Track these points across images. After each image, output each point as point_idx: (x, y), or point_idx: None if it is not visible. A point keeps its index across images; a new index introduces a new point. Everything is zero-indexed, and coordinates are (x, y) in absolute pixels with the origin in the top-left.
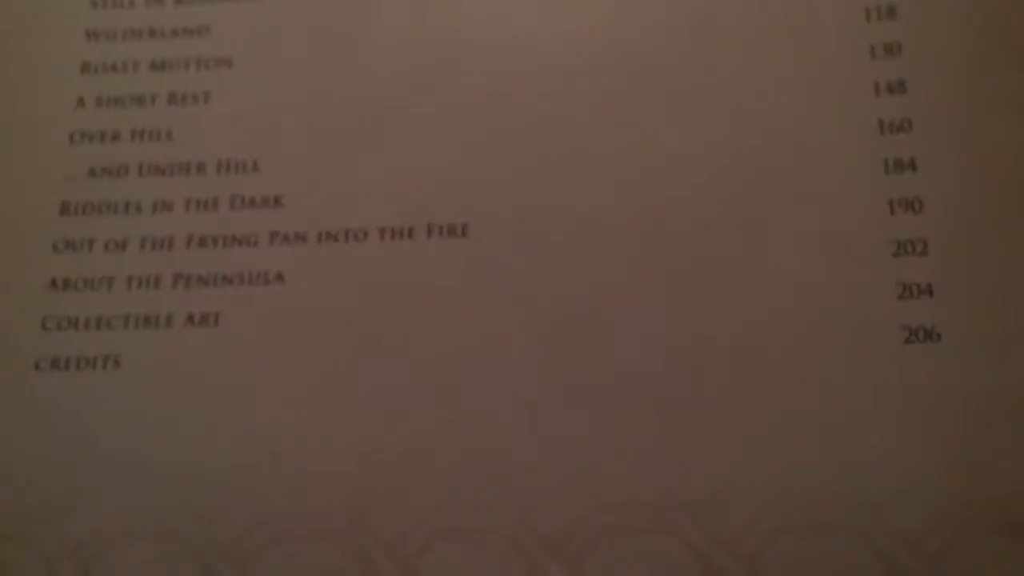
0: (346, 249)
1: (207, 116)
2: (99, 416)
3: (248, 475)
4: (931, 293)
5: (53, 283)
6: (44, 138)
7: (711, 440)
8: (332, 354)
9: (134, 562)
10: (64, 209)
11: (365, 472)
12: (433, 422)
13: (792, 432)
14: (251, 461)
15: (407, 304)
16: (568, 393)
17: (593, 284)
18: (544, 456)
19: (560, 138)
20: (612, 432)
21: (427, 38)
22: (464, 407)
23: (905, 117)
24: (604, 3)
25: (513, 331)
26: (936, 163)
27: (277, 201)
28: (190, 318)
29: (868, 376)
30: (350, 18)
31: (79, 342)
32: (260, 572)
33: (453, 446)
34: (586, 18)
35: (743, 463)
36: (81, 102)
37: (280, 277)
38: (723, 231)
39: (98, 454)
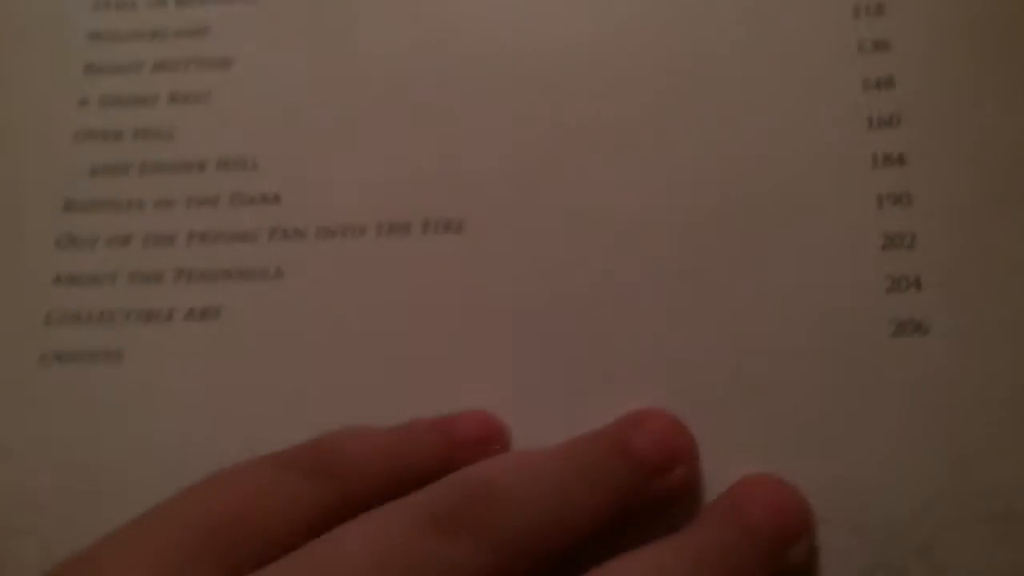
0: (343, 244)
1: (207, 115)
2: (101, 410)
3: None
4: (919, 286)
5: (57, 278)
6: (49, 137)
7: (703, 434)
8: (330, 348)
9: None
10: (68, 206)
11: None
12: (424, 407)
13: (781, 425)
14: (251, 455)
15: (403, 299)
16: (565, 394)
17: (589, 282)
18: None
19: (558, 135)
20: None
21: (425, 35)
22: (460, 405)
23: (894, 112)
24: (601, 5)
25: (507, 328)
26: (926, 157)
27: (276, 198)
28: (191, 312)
29: (856, 368)
30: (347, 17)
31: (82, 336)
32: None
33: None
34: (584, 18)
35: (732, 457)
36: (85, 102)
37: (279, 272)
38: (717, 227)
39: (101, 448)
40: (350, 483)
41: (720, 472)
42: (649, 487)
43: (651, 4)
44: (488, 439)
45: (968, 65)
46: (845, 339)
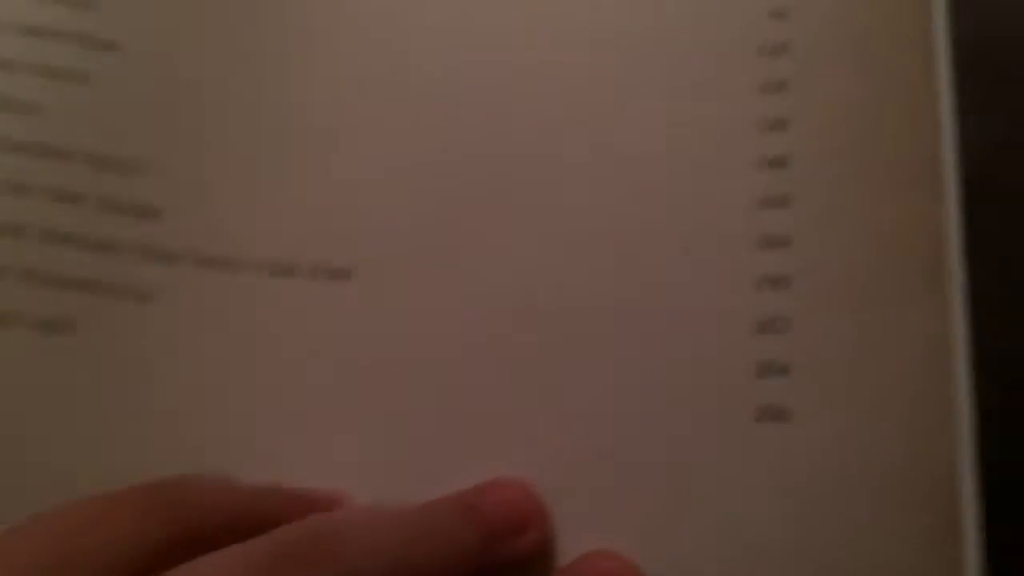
0: (223, 279)
1: (82, 101)
2: None
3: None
4: (787, 372)
5: None
6: None
7: (558, 507)
8: (190, 387)
9: None
10: None
11: None
12: (290, 462)
13: (636, 505)
14: (90, 481)
15: (278, 345)
16: (430, 456)
17: (464, 348)
18: None
19: (457, 196)
20: None
21: (344, 56)
22: (322, 458)
23: (785, 192)
24: (495, 66)
25: (376, 387)
26: (810, 240)
27: (156, 213)
28: (41, 321)
29: (717, 451)
30: (262, 26)
31: None
32: None
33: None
34: (481, 78)
35: (587, 533)
36: None
37: (149, 296)
38: (598, 295)
39: None
40: (190, 524)
41: (573, 546)
42: (497, 551)
43: (569, 61)
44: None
45: (861, 151)
46: (709, 421)
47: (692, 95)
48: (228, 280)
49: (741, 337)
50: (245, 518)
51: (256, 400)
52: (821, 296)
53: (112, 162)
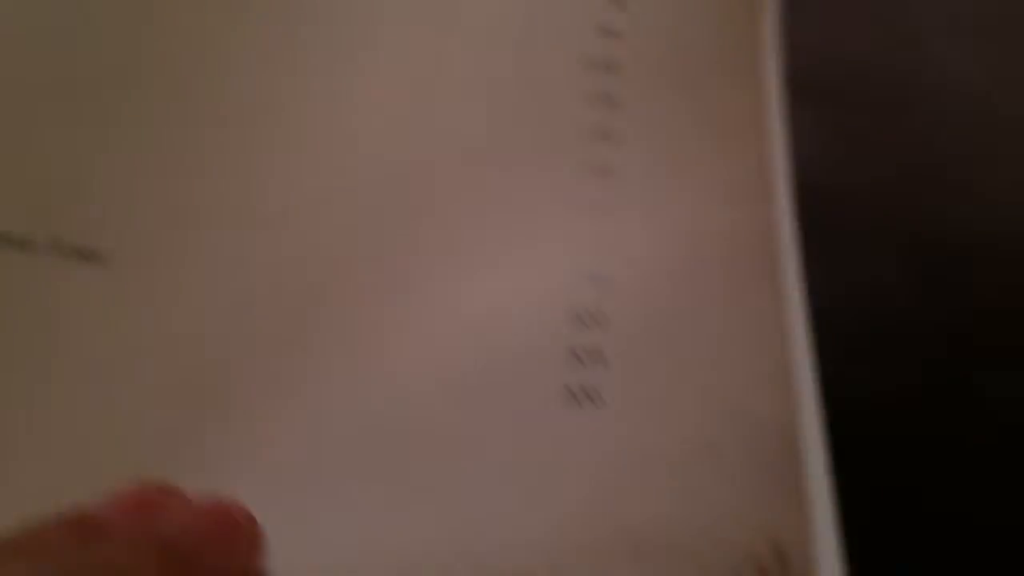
0: None
1: None
2: None
3: None
4: (605, 362)
5: None
6: None
7: (348, 505)
8: None
9: None
10: None
11: None
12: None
13: (432, 490)
14: None
15: (7, 332)
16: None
17: (222, 354)
18: None
19: (239, 174)
20: None
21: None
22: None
23: (608, 197)
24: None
25: (126, 389)
26: (633, 243)
27: None
28: None
29: (523, 435)
30: None
31: None
32: None
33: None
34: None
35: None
36: None
37: None
38: (399, 290)
39: None
40: None
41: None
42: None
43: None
44: None
45: (685, 165)
46: (516, 406)
47: (519, 99)
48: None
49: (553, 324)
50: None
51: None
52: (638, 292)
53: None
